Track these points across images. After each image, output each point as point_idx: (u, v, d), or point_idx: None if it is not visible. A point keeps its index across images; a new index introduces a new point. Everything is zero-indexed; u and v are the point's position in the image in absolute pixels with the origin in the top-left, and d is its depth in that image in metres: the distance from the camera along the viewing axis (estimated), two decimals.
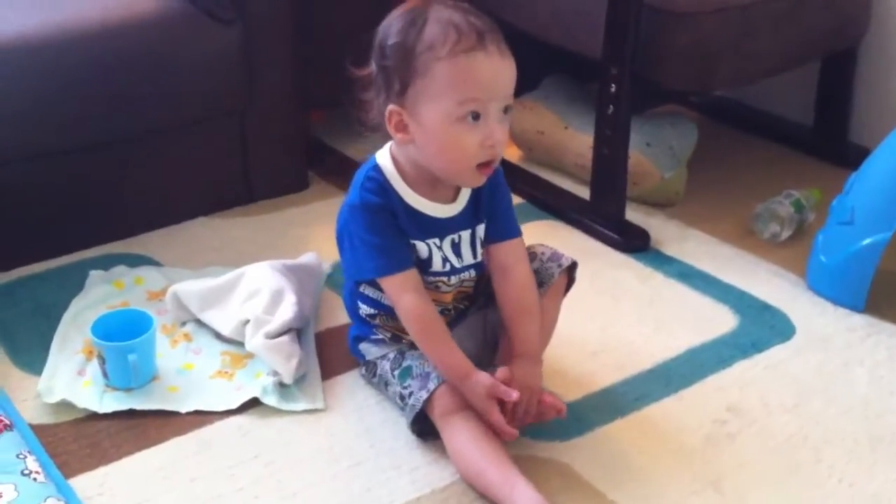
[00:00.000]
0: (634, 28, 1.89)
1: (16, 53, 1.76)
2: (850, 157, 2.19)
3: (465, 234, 1.48)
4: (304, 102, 2.17)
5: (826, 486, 1.40)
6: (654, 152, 2.10)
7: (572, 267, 1.57)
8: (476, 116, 1.34)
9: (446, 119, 1.34)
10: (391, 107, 1.38)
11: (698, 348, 1.69)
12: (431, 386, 1.41)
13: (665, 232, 2.04)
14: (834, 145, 2.35)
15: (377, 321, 1.51)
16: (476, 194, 1.48)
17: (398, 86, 1.36)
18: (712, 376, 1.62)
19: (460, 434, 1.38)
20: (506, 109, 1.37)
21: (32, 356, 1.62)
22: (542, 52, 2.20)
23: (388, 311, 1.49)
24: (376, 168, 1.44)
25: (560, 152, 2.25)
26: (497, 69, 1.34)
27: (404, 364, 1.48)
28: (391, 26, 1.38)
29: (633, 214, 2.08)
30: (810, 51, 2.18)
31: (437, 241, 1.46)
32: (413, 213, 1.43)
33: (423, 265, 1.46)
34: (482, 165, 1.38)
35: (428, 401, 1.41)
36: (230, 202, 2.10)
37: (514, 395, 1.36)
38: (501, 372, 1.39)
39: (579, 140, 2.18)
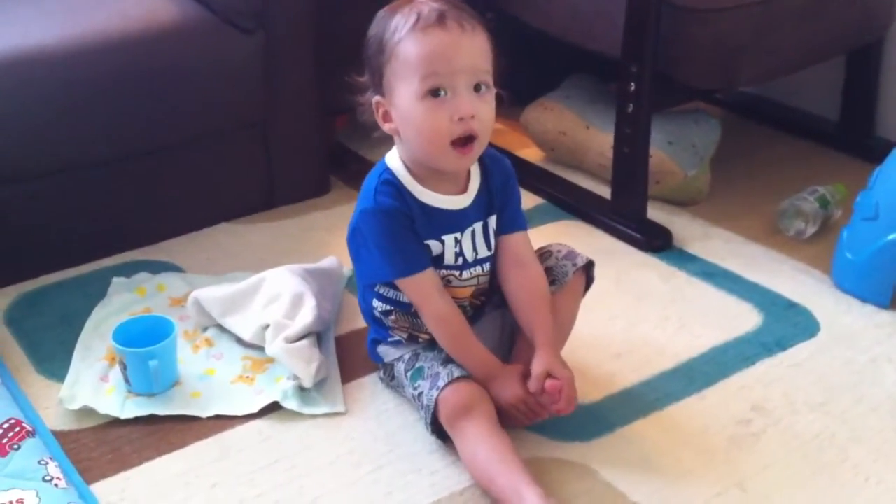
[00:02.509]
0: (654, 25, 1.87)
1: (37, 66, 1.77)
2: (877, 151, 2.14)
3: (478, 226, 1.48)
4: (326, 108, 2.17)
5: (853, 485, 1.38)
6: (676, 150, 2.09)
7: (589, 266, 1.56)
8: (444, 92, 1.35)
9: (414, 97, 1.36)
10: (376, 98, 1.41)
11: (722, 347, 1.67)
12: (441, 384, 1.41)
13: (688, 230, 2.03)
14: (860, 140, 2.32)
15: (392, 318, 1.51)
16: (487, 185, 1.48)
17: (377, 76, 1.40)
18: (736, 375, 1.60)
19: (469, 440, 1.38)
20: (479, 87, 1.37)
21: (55, 363, 1.63)
22: (562, 52, 2.20)
23: (403, 309, 1.49)
24: (388, 171, 1.45)
25: (582, 152, 2.23)
26: (456, 43, 1.35)
27: (416, 365, 1.48)
28: (372, 23, 1.42)
29: (657, 213, 2.06)
30: (835, 45, 2.15)
31: (457, 234, 1.46)
32: (429, 211, 1.44)
33: (435, 261, 1.46)
34: (458, 144, 1.37)
35: (436, 404, 1.40)
36: (252, 208, 2.10)
37: (560, 382, 1.40)
38: (539, 366, 1.40)
39: (601, 139, 2.16)
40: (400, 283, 1.45)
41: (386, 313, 1.51)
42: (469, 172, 1.47)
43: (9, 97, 1.75)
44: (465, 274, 1.49)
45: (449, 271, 1.47)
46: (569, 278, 1.52)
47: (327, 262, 1.83)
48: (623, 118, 1.96)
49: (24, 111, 1.76)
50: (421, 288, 1.44)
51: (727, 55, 1.94)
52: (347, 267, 1.85)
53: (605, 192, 2.11)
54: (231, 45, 1.96)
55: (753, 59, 1.97)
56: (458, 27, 1.36)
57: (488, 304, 1.56)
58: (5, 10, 1.92)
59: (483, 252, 1.49)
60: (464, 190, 1.47)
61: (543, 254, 1.56)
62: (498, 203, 1.49)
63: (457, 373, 1.42)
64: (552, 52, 2.24)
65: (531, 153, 2.33)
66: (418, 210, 1.43)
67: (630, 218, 2.01)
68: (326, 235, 2.02)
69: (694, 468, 1.42)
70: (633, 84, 1.91)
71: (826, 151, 2.33)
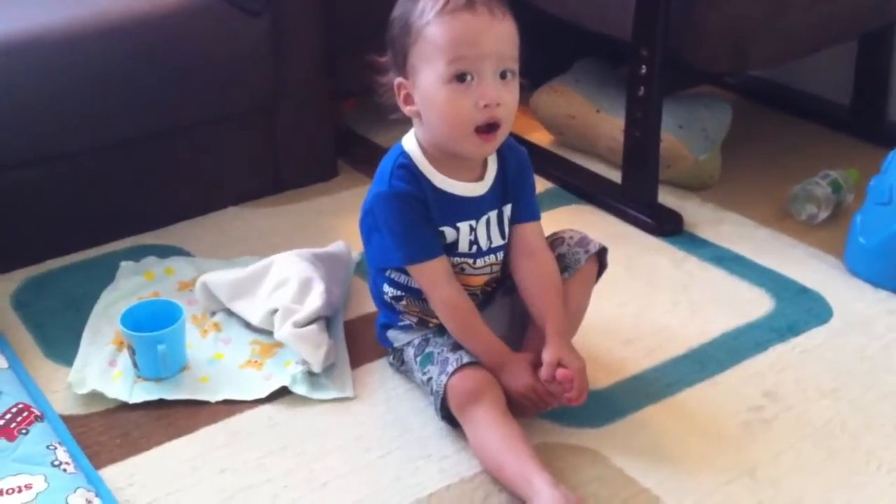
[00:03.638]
0: (665, 8, 1.85)
1: (42, 49, 1.76)
2: (889, 135, 2.14)
3: (493, 215, 1.47)
4: (333, 91, 2.16)
5: (865, 473, 1.37)
6: (686, 134, 2.07)
7: (602, 252, 1.54)
8: (470, 77, 1.34)
9: (439, 81, 1.34)
10: (398, 80, 1.40)
11: (733, 332, 1.66)
12: (450, 369, 1.40)
13: (699, 215, 2.01)
14: (872, 124, 2.31)
15: (403, 304, 1.50)
16: (503, 173, 1.47)
17: (401, 58, 1.38)
18: (748, 361, 1.59)
19: (478, 428, 1.37)
20: (505, 74, 1.35)
21: (63, 348, 1.63)
22: (572, 35, 2.18)
23: (414, 294, 1.48)
24: (404, 154, 1.43)
25: (592, 136, 2.22)
26: (484, 28, 1.34)
27: (426, 350, 1.47)
28: (397, 4, 1.40)
29: (667, 198, 2.05)
30: (847, 28, 2.13)
31: (472, 222, 1.45)
32: (444, 197, 1.43)
33: (449, 248, 1.45)
34: (482, 131, 1.36)
35: (445, 390, 1.40)
36: (260, 192, 2.10)
37: (571, 372, 1.38)
38: (550, 355, 1.39)
39: (612, 123, 2.15)
40: (410, 268, 1.44)
41: (397, 298, 1.50)
42: (486, 160, 1.46)
43: (14, 81, 1.74)
44: (479, 262, 1.48)
45: (463, 259, 1.46)
46: (581, 265, 1.51)
47: (335, 246, 1.82)
48: (634, 102, 1.95)
49: (29, 95, 1.76)
50: (431, 274, 1.43)
51: (738, 38, 1.92)
52: (356, 251, 1.84)
53: (615, 176, 2.09)
54: (237, 27, 1.94)
55: (765, 41, 1.95)
56: (488, 12, 1.34)
57: (499, 291, 1.55)
58: None
59: (497, 241, 1.48)
60: (480, 177, 1.45)
61: (556, 240, 1.54)
62: (513, 192, 1.48)
63: (466, 359, 1.42)
64: (562, 35, 2.22)
65: (540, 137, 2.31)
66: (433, 195, 1.42)
67: (641, 202, 2.00)
68: (334, 220, 2.01)
69: (705, 454, 1.41)
70: (643, 67, 1.90)
71: (838, 136, 2.31)
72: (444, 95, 1.34)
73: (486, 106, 1.34)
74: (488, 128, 1.36)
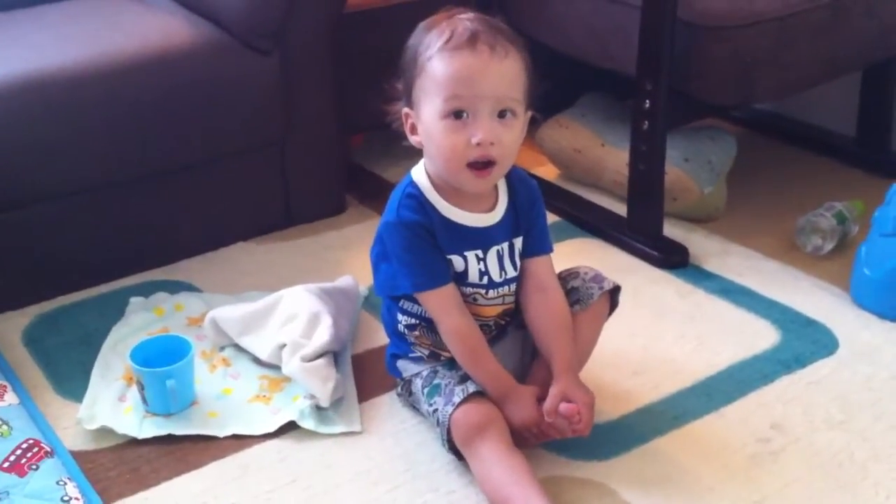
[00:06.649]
0: (668, 43, 1.87)
1: (57, 88, 1.78)
2: (894, 167, 2.15)
3: (505, 247, 1.48)
4: (342, 128, 2.18)
5: None
6: (692, 167, 2.08)
7: (615, 291, 1.55)
8: (466, 115, 1.35)
9: (436, 116, 1.36)
10: (405, 109, 1.43)
11: (740, 364, 1.66)
12: (456, 399, 1.41)
13: (705, 247, 2.02)
14: (877, 156, 2.31)
15: (416, 334, 1.50)
16: (514, 206, 1.48)
17: (408, 88, 1.41)
18: (755, 392, 1.59)
19: (484, 461, 1.37)
20: (504, 113, 1.37)
21: (74, 383, 1.64)
22: (578, 70, 2.20)
23: (428, 323, 1.48)
24: (413, 184, 1.45)
25: (598, 170, 2.23)
26: (483, 68, 1.35)
27: (434, 382, 1.48)
28: (413, 32, 1.43)
29: (673, 230, 2.06)
30: (851, 61, 2.14)
31: (479, 252, 1.46)
32: (451, 226, 1.44)
33: (460, 277, 1.46)
34: (475, 167, 1.38)
35: (449, 424, 1.40)
36: (268, 227, 2.11)
37: (575, 406, 1.39)
38: (556, 389, 1.40)
39: (617, 157, 2.16)
40: (419, 296, 1.45)
41: (410, 327, 1.51)
42: (497, 192, 1.48)
43: (27, 119, 1.76)
44: (492, 293, 1.48)
45: (475, 289, 1.47)
46: (594, 301, 1.52)
47: (344, 281, 1.83)
48: (638, 135, 1.96)
49: (41, 133, 1.78)
50: (438, 302, 1.44)
51: (743, 71, 1.93)
52: (364, 286, 1.86)
53: (621, 209, 2.10)
54: (248, 66, 1.97)
55: (769, 74, 1.97)
56: (489, 50, 1.35)
57: (511, 324, 1.55)
58: (25, 34, 1.95)
59: (511, 272, 1.49)
60: (490, 209, 1.47)
61: (570, 274, 1.55)
62: (524, 225, 1.49)
63: (472, 388, 1.42)
64: (568, 70, 2.25)
65: (546, 171, 2.33)
66: (440, 224, 1.43)
67: (646, 235, 2.01)
68: (343, 254, 2.03)
69: (713, 486, 1.41)
70: (648, 102, 1.91)
71: (843, 167, 2.32)
72: (440, 130, 1.36)
73: (478, 144, 1.35)
74: (482, 164, 1.37)
